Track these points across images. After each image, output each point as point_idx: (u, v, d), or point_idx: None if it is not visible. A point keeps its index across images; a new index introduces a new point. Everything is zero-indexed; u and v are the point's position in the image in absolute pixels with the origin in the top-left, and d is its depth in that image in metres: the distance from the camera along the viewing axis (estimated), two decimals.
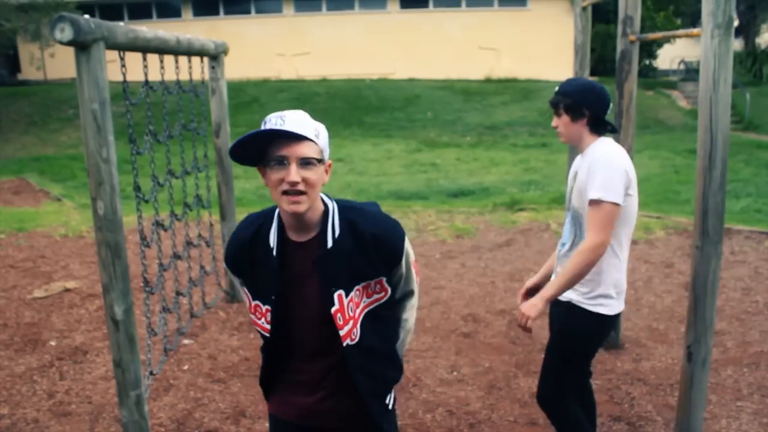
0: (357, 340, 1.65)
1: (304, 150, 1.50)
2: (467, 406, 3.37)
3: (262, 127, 1.51)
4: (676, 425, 2.87)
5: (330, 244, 1.60)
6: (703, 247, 2.64)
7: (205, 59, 4.55)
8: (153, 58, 3.45)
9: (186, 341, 4.19)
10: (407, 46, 20.88)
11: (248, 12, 21.61)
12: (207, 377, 3.72)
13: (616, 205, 2.19)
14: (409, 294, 1.81)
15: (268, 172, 1.52)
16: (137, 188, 3.27)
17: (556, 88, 2.37)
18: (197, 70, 4.39)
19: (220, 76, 4.64)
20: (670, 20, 20.38)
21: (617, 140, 4.05)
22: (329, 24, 21.18)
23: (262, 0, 21.60)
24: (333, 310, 1.61)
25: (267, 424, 3.19)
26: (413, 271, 1.77)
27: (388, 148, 13.80)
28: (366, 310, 1.68)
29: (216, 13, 21.56)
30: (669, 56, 22.18)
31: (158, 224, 3.73)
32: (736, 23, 2.63)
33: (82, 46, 2.38)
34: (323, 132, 1.57)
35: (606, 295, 2.32)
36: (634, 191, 2.29)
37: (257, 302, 1.70)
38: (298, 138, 1.49)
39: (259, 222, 1.67)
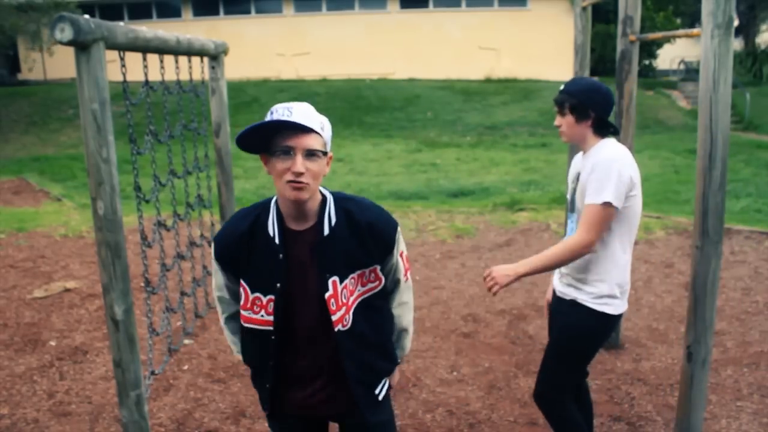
0: (349, 326, 1.70)
1: (310, 142, 1.55)
2: (467, 406, 3.37)
3: (269, 117, 1.55)
4: (676, 425, 2.87)
5: (327, 232, 1.65)
6: (703, 247, 2.64)
7: (205, 59, 4.55)
8: (153, 58, 3.45)
9: (186, 341, 4.19)
10: (407, 46, 20.89)
11: (248, 12, 21.62)
12: (207, 377, 3.72)
13: (611, 207, 2.19)
14: (397, 284, 1.83)
15: (273, 160, 1.56)
16: (138, 188, 3.27)
17: (561, 87, 2.35)
18: (197, 70, 4.39)
19: (220, 76, 4.64)
20: (670, 20, 20.39)
21: (617, 141, 4.06)
22: (329, 24, 21.19)
23: (262, 0, 21.61)
24: (327, 295, 1.65)
25: (267, 424, 3.20)
26: (401, 261, 1.81)
27: (388, 148, 13.81)
28: (360, 299, 1.73)
29: (216, 13, 21.57)
30: (669, 56, 22.18)
31: (160, 224, 3.73)
32: (736, 23, 2.62)
33: (82, 46, 2.38)
34: (327, 125, 1.62)
35: (611, 295, 2.32)
36: (638, 192, 2.28)
37: (257, 294, 1.70)
38: (304, 130, 1.54)
39: (256, 213, 1.70)
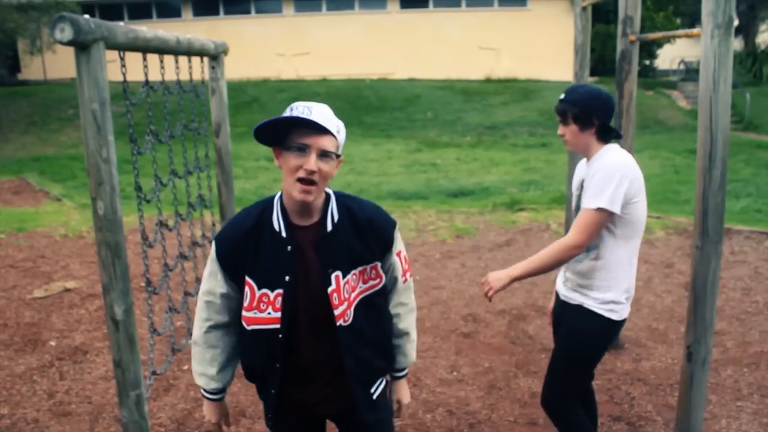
0: (350, 322, 1.72)
1: (325, 142, 1.59)
2: (467, 406, 3.37)
3: (288, 113, 1.59)
4: (676, 425, 2.87)
5: (330, 228, 1.69)
6: (703, 247, 2.64)
7: (205, 59, 4.55)
8: (153, 58, 3.45)
9: (185, 341, 4.18)
10: (407, 46, 20.89)
11: (248, 12, 21.62)
12: None
13: (606, 212, 2.18)
14: (394, 283, 1.86)
15: (287, 155, 1.61)
16: (138, 188, 3.27)
17: (561, 96, 2.33)
18: (197, 70, 4.39)
19: (220, 76, 4.64)
20: (670, 20, 20.39)
21: (619, 145, 4.08)
22: (329, 24, 21.19)
23: (262, 0, 21.61)
24: (330, 290, 1.68)
25: (266, 425, 3.20)
26: (399, 260, 1.84)
27: (388, 148, 13.81)
28: (361, 296, 1.75)
29: (216, 13, 21.57)
30: (669, 56, 22.18)
31: (162, 224, 3.73)
32: (736, 23, 2.62)
33: (82, 46, 2.38)
34: (343, 129, 1.67)
35: (617, 301, 2.32)
36: (641, 198, 2.27)
37: (264, 290, 1.69)
38: (322, 130, 1.58)
39: (260, 210, 1.73)
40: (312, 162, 1.57)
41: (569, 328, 2.42)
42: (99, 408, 3.37)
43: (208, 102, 4.71)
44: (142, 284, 4.86)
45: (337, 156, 1.63)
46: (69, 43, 2.34)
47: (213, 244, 1.76)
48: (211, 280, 1.77)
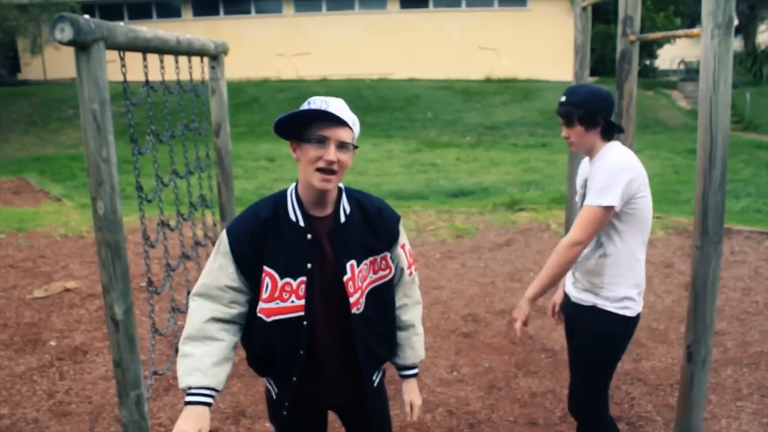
0: (362, 310, 1.79)
1: (343, 134, 1.66)
2: (467, 406, 3.37)
3: (306, 107, 1.65)
4: (676, 425, 2.87)
5: (343, 219, 1.77)
6: (703, 247, 2.64)
7: (205, 59, 4.55)
8: (153, 58, 3.45)
9: None
10: (407, 46, 20.89)
11: (248, 12, 21.62)
12: None
13: (607, 209, 2.18)
14: (401, 274, 1.92)
15: (307, 147, 1.66)
16: (140, 188, 3.27)
17: (562, 98, 2.31)
18: (197, 70, 4.39)
19: (220, 76, 4.64)
20: (670, 20, 20.38)
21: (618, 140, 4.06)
22: (329, 24, 21.19)
23: (262, 0, 21.61)
24: (345, 278, 1.74)
25: (267, 424, 3.20)
26: (404, 253, 1.91)
27: (388, 148, 13.81)
28: (371, 286, 1.82)
29: (216, 13, 21.57)
30: (669, 56, 22.18)
31: (163, 224, 3.73)
32: (735, 23, 2.62)
33: (82, 46, 2.38)
34: (357, 122, 1.75)
35: (629, 297, 2.31)
36: (647, 194, 2.27)
37: (286, 279, 1.72)
38: (339, 122, 1.65)
39: (275, 200, 1.78)
40: (331, 153, 1.63)
41: (587, 332, 2.38)
42: (99, 408, 3.37)
43: (208, 102, 4.71)
44: (143, 284, 4.86)
45: (355, 147, 1.71)
46: (69, 43, 2.34)
47: (223, 238, 1.74)
48: (219, 274, 1.74)
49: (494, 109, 17.53)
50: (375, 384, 1.92)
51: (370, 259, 1.81)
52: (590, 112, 2.26)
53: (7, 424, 3.21)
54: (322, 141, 1.64)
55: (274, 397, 1.88)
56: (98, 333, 4.32)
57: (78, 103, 2.46)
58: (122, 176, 3.10)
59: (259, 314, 1.74)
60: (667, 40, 19.15)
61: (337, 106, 1.66)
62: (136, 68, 3.43)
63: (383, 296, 1.85)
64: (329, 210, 1.76)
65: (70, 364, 3.89)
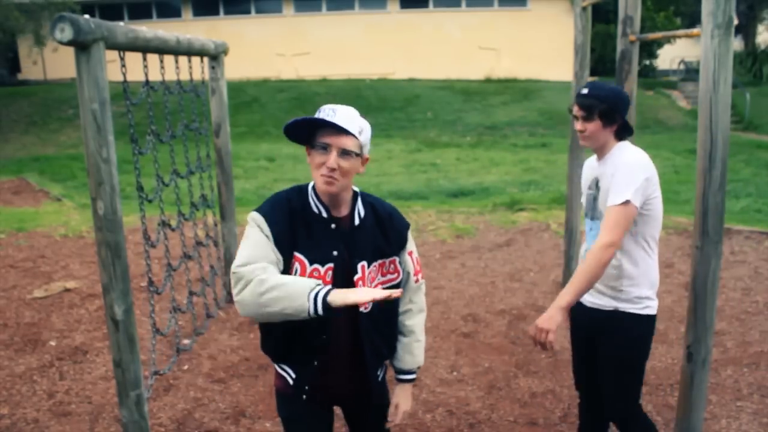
0: (369, 309, 1.86)
1: (346, 142, 1.73)
2: (467, 406, 3.37)
3: (317, 115, 1.74)
4: (676, 425, 2.87)
5: (357, 222, 1.86)
6: (703, 247, 2.64)
7: (205, 59, 4.55)
8: (153, 58, 3.45)
9: (187, 341, 4.19)
10: (407, 46, 20.88)
11: (248, 12, 21.62)
12: (207, 377, 3.72)
13: (632, 206, 2.17)
14: (407, 279, 1.98)
15: (313, 152, 1.77)
16: (140, 188, 3.27)
17: (584, 90, 2.28)
18: (197, 70, 4.39)
19: (220, 76, 4.64)
20: (670, 20, 20.38)
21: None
22: (329, 24, 21.18)
23: (262, 0, 21.61)
24: (356, 278, 1.83)
25: (267, 424, 3.20)
26: (411, 260, 1.97)
27: (388, 148, 13.80)
28: (379, 288, 1.88)
29: (216, 13, 21.57)
30: (669, 56, 22.17)
31: (164, 224, 3.73)
32: (735, 23, 2.62)
33: (82, 46, 2.38)
34: (367, 130, 1.79)
35: (647, 296, 2.31)
36: (659, 193, 2.27)
37: (315, 266, 1.80)
38: (342, 131, 1.72)
39: (299, 191, 1.86)
40: (332, 160, 1.71)
41: (616, 338, 2.35)
42: (99, 408, 3.37)
43: (208, 102, 4.71)
44: (143, 284, 4.86)
45: (359, 155, 1.76)
46: (69, 43, 2.34)
47: (258, 218, 1.76)
48: (258, 250, 1.73)
49: (494, 109, 17.53)
50: (380, 379, 2.01)
51: (380, 261, 1.89)
52: (612, 109, 2.25)
53: (7, 424, 3.21)
54: (325, 148, 1.73)
55: (291, 382, 1.91)
56: (98, 333, 4.32)
57: (78, 103, 2.46)
58: (122, 176, 3.09)
59: None
60: (667, 40, 19.15)
61: (344, 114, 1.73)
62: (136, 68, 3.43)
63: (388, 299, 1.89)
64: (345, 212, 1.85)
65: (70, 364, 3.89)
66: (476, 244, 6.34)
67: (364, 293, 1.57)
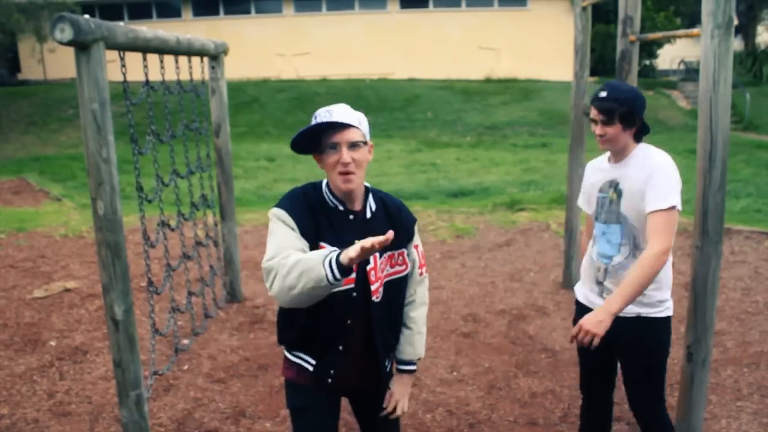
0: (380, 299, 1.93)
1: (351, 135, 1.81)
2: (467, 406, 3.37)
3: (313, 121, 1.83)
4: (676, 425, 2.88)
5: (369, 215, 1.94)
6: (703, 247, 2.64)
7: (205, 59, 4.55)
8: (153, 58, 3.45)
9: (186, 341, 4.19)
10: (407, 46, 20.88)
11: (248, 12, 21.62)
12: (207, 377, 3.72)
13: (677, 211, 2.18)
14: (412, 271, 2.05)
15: (324, 157, 1.84)
16: (140, 188, 3.27)
17: (603, 93, 2.23)
18: (197, 70, 4.39)
19: (220, 76, 4.64)
20: (670, 20, 20.39)
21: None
22: (329, 24, 21.18)
23: (262, 0, 21.61)
24: (368, 267, 1.89)
25: (267, 424, 3.20)
26: (417, 253, 2.06)
27: (388, 148, 13.80)
28: (387, 279, 1.96)
29: (216, 13, 21.57)
30: (669, 56, 22.18)
31: (164, 224, 3.73)
32: (735, 23, 2.62)
33: (82, 46, 2.38)
34: (364, 119, 1.89)
35: (667, 299, 2.32)
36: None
37: None
38: (345, 126, 1.80)
39: (314, 187, 1.94)
40: (345, 155, 1.79)
41: (638, 344, 2.34)
42: (99, 408, 3.37)
43: (208, 102, 4.71)
44: (143, 284, 4.86)
45: (365, 143, 1.86)
46: (69, 43, 2.34)
47: (281, 214, 1.82)
48: (284, 241, 1.77)
49: (494, 109, 17.53)
50: (388, 369, 2.07)
51: (389, 253, 1.95)
52: (632, 111, 2.21)
53: (7, 424, 3.21)
54: (335, 146, 1.80)
55: (312, 369, 1.95)
56: (98, 333, 4.32)
57: (78, 103, 2.46)
58: (122, 176, 3.10)
59: None
60: (667, 40, 19.15)
61: (339, 111, 1.81)
62: (136, 68, 3.43)
63: (397, 290, 1.99)
64: (359, 206, 1.93)
65: (70, 364, 3.89)
66: (476, 244, 6.34)
67: (363, 241, 1.55)
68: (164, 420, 3.26)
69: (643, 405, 2.42)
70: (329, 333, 1.91)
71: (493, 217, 7.36)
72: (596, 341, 2.08)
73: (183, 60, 4.00)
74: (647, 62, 21.90)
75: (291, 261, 1.66)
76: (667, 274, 2.32)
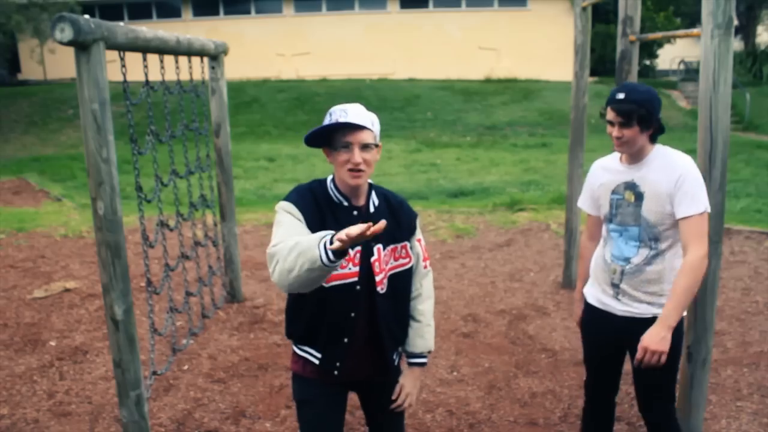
0: (384, 291, 1.99)
1: (364, 137, 1.88)
2: (467, 406, 3.37)
3: (328, 119, 1.90)
4: None
5: (372, 210, 2.01)
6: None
7: (205, 59, 4.55)
8: (153, 58, 3.45)
9: (186, 341, 4.19)
10: (407, 46, 20.89)
11: (248, 12, 21.62)
12: (207, 377, 3.72)
13: (708, 214, 2.18)
14: (417, 264, 2.09)
15: (335, 153, 1.90)
16: (139, 188, 3.27)
17: (620, 95, 2.18)
18: (197, 70, 4.39)
19: (220, 76, 4.64)
20: (670, 20, 20.39)
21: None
22: (329, 24, 21.19)
23: (262, 0, 21.61)
24: (372, 259, 1.95)
25: (267, 424, 3.20)
26: (419, 247, 2.10)
27: (388, 149, 13.80)
28: (392, 272, 2.01)
29: (216, 13, 21.57)
30: (669, 56, 22.17)
31: (162, 224, 3.73)
32: (735, 23, 2.62)
33: (82, 46, 2.38)
34: (376, 121, 1.96)
35: None
36: None
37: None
38: (359, 128, 1.87)
39: (320, 184, 2.00)
40: (356, 155, 1.86)
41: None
42: (99, 408, 3.37)
43: (208, 102, 4.72)
44: (143, 284, 4.86)
45: (376, 145, 1.93)
46: (69, 43, 2.34)
47: (288, 207, 1.89)
48: (290, 230, 1.83)
49: (494, 109, 17.53)
50: (396, 362, 2.10)
51: (392, 246, 2.01)
52: (650, 113, 2.17)
53: (7, 424, 3.21)
54: (348, 146, 1.87)
55: (317, 362, 1.99)
56: (98, 333, 4.32)
57: (78, 103, 2.46)
58: (122, 176, 3.10)
59: None
60: (667, 40, 19.15)
61: (354, 112, 1.88)
62: (136, 68, 3.43)
63: (402, 283, 2.04)
64: (363, 202, 1.99)
65: (70, 364, 3.89)
66: (476, 244, 6.34)
67: (354, 227, 1.55)
68: (164, 420, 3.26)
69: (655, 406, 2.41)
70: (334, 326, 1.96)
71: (493, 217, 7.36)
72: (663, 358, 2.16)
73: (183, 60, 4.00)
74: (647, 62, 21.91)
75: (291, 243, 1.69)
76: None
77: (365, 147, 1.88)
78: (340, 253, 1.59)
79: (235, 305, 4.84)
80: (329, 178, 2.01)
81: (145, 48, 3.09)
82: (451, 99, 18.22)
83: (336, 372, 1.99)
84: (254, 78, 19.64)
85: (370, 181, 2.02)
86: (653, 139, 2.26)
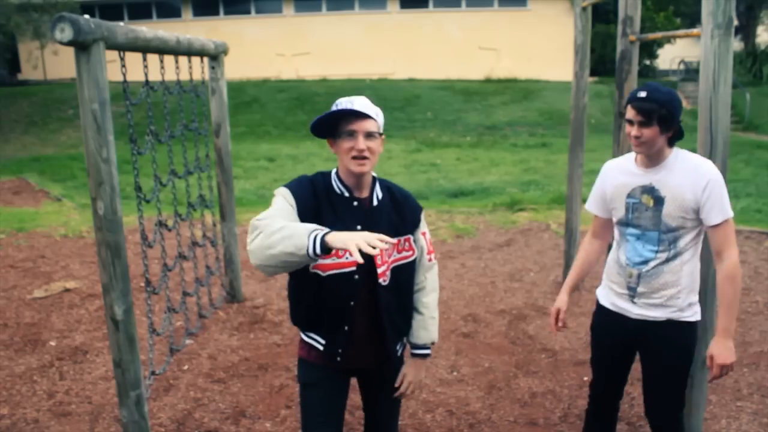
0: (387, 282, 2.01)
1: (369, 126, 1.94)
2: (467, 406, 3.37)
3: (335, 108, 1.94)
4: None
5: (375, 203, 2.04)
6: (703, 247, 2.63)
7: (205, 59, 4.55)
8: (153, 58, 3.45)
9: (186, 341, 4.19)
10: (407, 46, 20.89)
11: (248, 12, 21.62)
12: (207, 377, 3.72)
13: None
14: (421, 257, 2.12)
15: (339, 142, 1.95)
16: (138, 188, 3.27)
17: (642, 94, 2.13)
18: (197, 70, 4.39)
19: (220, 76, 4.64)
20: (670, 20, 20.39)
21: (621, 140, 4.05)
22: (329, 24, 21.19)
23: (262, 0, 21.61)
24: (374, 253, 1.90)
25: (267, 424, 3.20)
26: (424, 240, 2.13)
27: (388, 148, 13.81)
28: (395, 264, 2.03)
29: (216, 13, 21.57)
30: (669, 56, 22.17)
31: (161, 224, 3.73)
32: (735, 23, 2.62)
33: (82, 46, 2.38)
34: (380, 113, 2.03)
35: (695, 302, 2.30)
36: None
37: None
38: (364, 116, 1.93)
39: (321, 176, 2.04)
40: (361, 142, 1.91)
41: (668, 348, 2.31)
42: (99, 408, 3.37)
43: (208, 102, 4.72)
44: (142, 284, 4.86)
45: (380, 134, 1.99)
46: (69, 44, 2.34)
47: (284, 192, 1.92)
48: (280, 213, 1.84)
49: (494, 109, 17.53)
50: (399, 353, 2.15)
51: (396, 239, 2.02)
52: (672, 114, 2.13)
53: (7, 424, 3.21)
54: (352, 134, 1.92)
55: (322, 348, 2.04)
56: (98, 333, 4.32)
57: (78, 103, 2.46)
58: (122, 176, 3.10)
59: (314, 270, 1.94)
60: (667, 40, 19.15)
61: (360, 102, 1.94)
62: (136, 68, 3.43)
63: (405, 275, 2.07)
64: (366, 194, 2.02)
65: (70, 364, 3.89)
66: (476, 244, 6.34)
67: (360, 239, 1.59)
68: (164, 420, 3.26)
69: (663, 410, 2.40)
70: (334, 313, 1.99)
71: (493, 217, 7.36)
72: (732, 370, 2.19)
73: (183, 60, 4.00)
74: (647, 62, 21.90)
75: (277, 225, 1.73)
76: (695, 277, 2.28)
77: (369, 135, 1.93)
78: (327, 250, 1.65)
79: (235, 305, 4.84)
80: (334, 170, 2.04)
81: (145, 48, 3.09)
82: (451, 99, 18.22)
83: (339, 358, 2.03)
84: (254, 78, 19.65)
85: (374, 174, 2.06)
86: (671, 143, 2.21)
